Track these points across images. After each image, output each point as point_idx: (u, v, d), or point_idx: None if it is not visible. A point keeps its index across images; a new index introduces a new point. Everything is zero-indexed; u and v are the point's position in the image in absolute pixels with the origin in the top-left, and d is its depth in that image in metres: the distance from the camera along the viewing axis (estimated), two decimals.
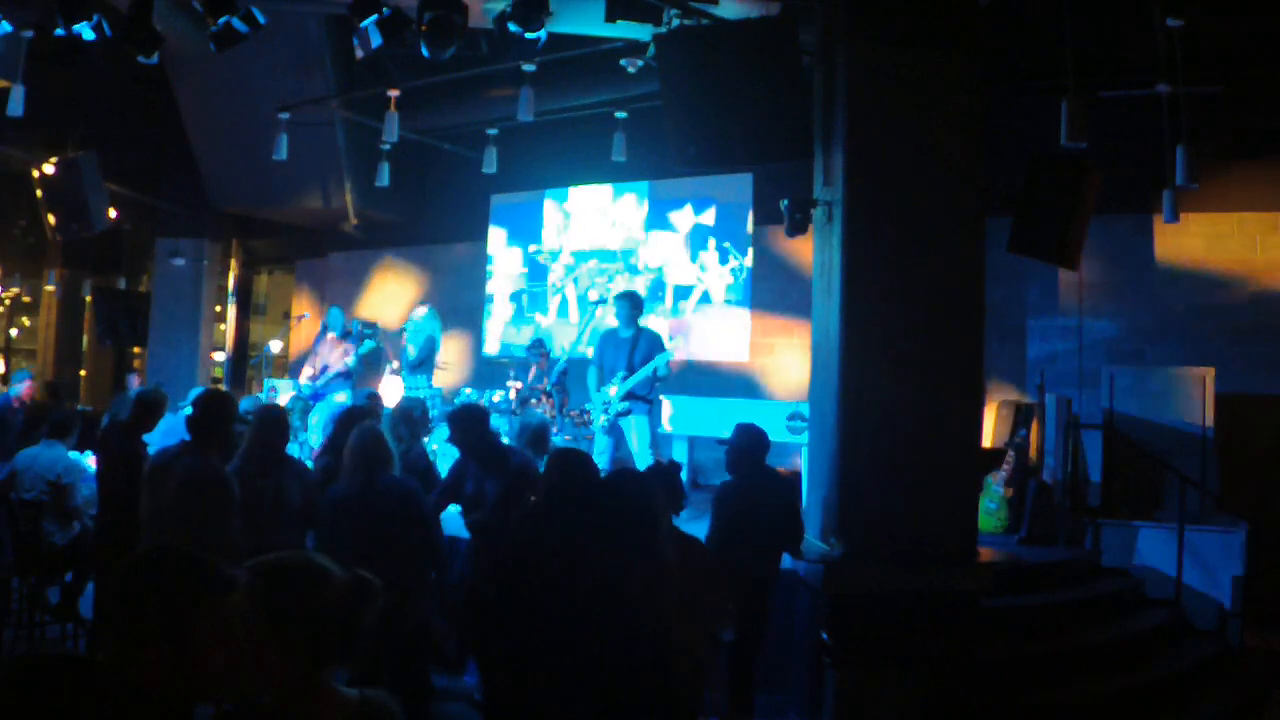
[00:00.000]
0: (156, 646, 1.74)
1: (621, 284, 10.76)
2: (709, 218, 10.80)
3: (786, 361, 10.05)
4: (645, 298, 9.14)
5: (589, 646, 3.22)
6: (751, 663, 4.94)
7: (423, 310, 8.84)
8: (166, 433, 6.16)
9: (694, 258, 10.81)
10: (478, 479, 5.04)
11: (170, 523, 4.39)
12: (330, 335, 9.38)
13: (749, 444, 5.11)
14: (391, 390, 8.73)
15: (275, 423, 4.86)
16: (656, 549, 3.55)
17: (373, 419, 5.60)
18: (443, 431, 8.37)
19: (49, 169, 9.27)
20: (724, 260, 10.63)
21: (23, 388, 9.31)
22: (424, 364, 8.68)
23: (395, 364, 9.34)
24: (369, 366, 9.77)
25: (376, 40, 6.17)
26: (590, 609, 3.29)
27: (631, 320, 7.46)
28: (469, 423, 5.12)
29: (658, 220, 11.10)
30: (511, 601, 3.71)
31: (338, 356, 9.19)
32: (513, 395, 8.85)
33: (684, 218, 10.94)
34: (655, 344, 7.41)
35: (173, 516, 4.40)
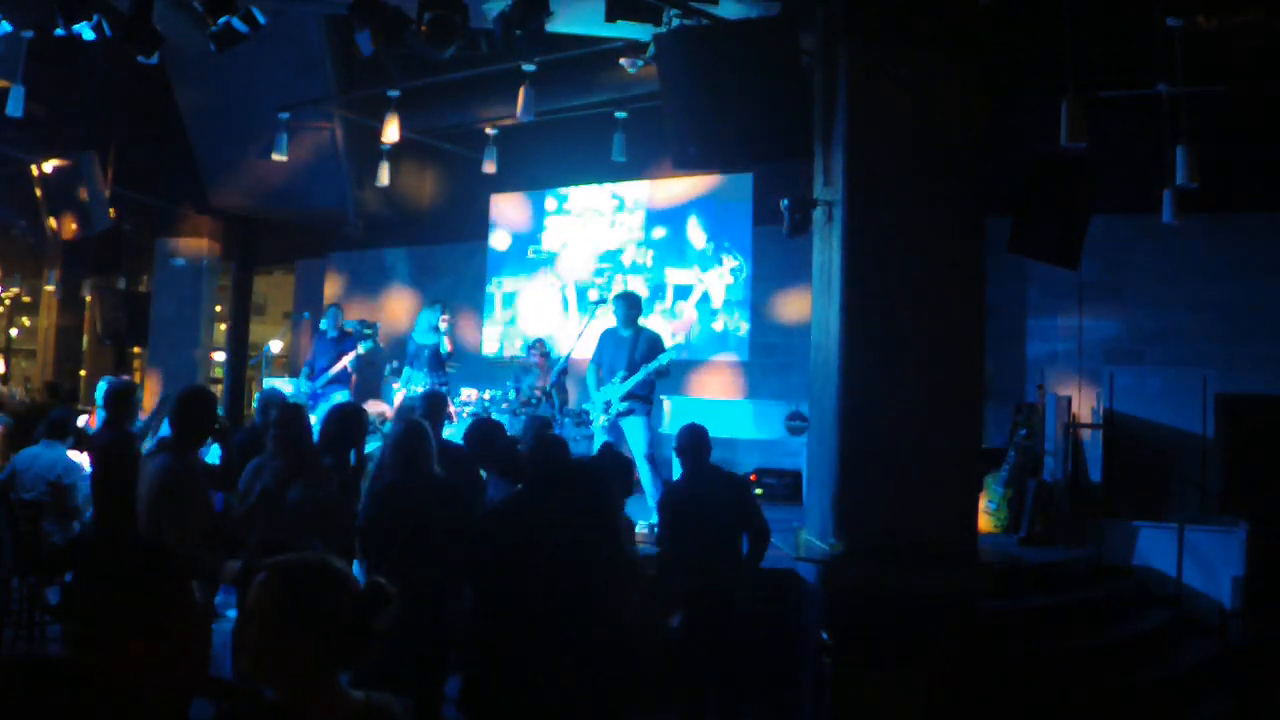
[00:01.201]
0: (141, 642, 1.74)
1: (622, 284, 10.75)
2: (709, 218, 10.79)
3: (786, 361, 10.04)
4: (645, 298, 9.13)
5: (565, 634, 3.24)
6: (730, 664, 4.92)
7: (438, 309, 8.88)
8: None
9: (694, 258, 10.81)
10: (498, 488, 5.05)
11: (144, 522, 4.43)
12: (328, 336, 9.37)
13: (690, 443, 5.21)
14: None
15: (293, 422, 4.85)
16: (619, 539, 3.58)
17: (432, 414, 5.65)
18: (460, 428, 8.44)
19: (49, 169, 9.27)
20: (723, 260, 10.62)
21: None
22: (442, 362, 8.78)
23: (394, 364, 9.34)
24: (369, 367, 9.77)
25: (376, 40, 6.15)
26: (565, 597, 3.30)
27: (630, 320, 7.46)
28: (479, 439, 5.13)
29: (657, 220, 11.09)
30: (490, 591, 3.72)
31: (335, 357, 9.18)
32: (513, 395, 8.86)
33: (684, 218, 10.93)
34: (655, 344, 7.41)
35: (145, 516, 4.43)
